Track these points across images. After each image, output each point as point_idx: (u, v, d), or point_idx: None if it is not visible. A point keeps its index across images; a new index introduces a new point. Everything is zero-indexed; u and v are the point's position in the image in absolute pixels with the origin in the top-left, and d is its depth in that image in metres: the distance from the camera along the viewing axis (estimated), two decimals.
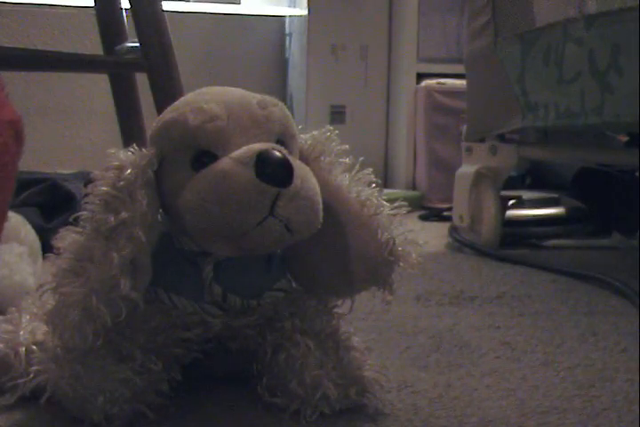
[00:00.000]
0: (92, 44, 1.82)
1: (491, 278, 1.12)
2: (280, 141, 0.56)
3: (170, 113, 0.56)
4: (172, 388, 0.59)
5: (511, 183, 1.62)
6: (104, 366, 0.55)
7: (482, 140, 1.43)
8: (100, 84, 1.80)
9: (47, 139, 2.04)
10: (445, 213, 1.75)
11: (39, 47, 1.96)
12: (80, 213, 0.55)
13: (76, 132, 2.09)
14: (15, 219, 0.90)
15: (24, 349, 0.59)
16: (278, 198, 0.51)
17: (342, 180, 0.60)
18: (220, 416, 0.58)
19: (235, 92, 0.58)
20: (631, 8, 1.00)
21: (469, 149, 1.46)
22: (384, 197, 0.60)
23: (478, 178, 1.40)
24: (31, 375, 0.58)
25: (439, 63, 2.15)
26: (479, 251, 1.33)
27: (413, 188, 2.14)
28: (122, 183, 0.54)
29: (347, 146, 0.61)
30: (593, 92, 1.07)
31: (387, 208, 0.59)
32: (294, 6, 2.20)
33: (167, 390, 0.58)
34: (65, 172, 1.58)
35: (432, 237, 1.51)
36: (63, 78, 2.03)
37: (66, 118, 2.08)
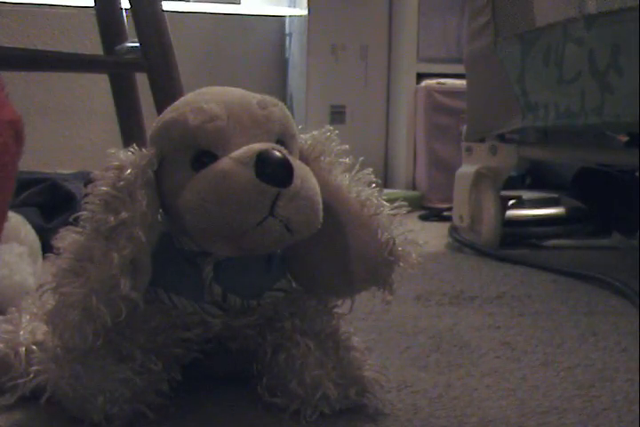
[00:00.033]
0: (91, 44, 1.82)
1: (491, 278, 1.12)
2: (280, 141, 0.56)
3: (170, 113, 0.56)
4: (172, 388, 0.59)
5: (511, 183, 1.62)
6: (104, 366, 0.55)
7: (482, 140, 1.43)
8: (100, 84, 1.80)
9: (47, 139, 2.04)
10: (445, 213, 1.75)
11: (39, 47, 1.96)
12: (80, 213, 0.55)
13: (76, 132, 2.09)
14: (15, 219, 0.90)
15: (24, 349, 0.59)
16: (278, 198, 0.51)
17: (342, 180, 0.60)
18: (220, 416, 0.58)
19: (235, 92, 0.58)
20: (631, 8, 1.00)
21: (469, 149, 1.46)
22: (384, 197, 0.60)
23: (478, 178, 1.40)
24: (31, 375, 0.58)
25: (439, 63, 2.15)
26: (479, 251, 1.33)
27: (413, 188, 2.14)
28: (122, 183, 0.54)
29: (347, 146, 0.61)
30: (593, 92, 1.07)
31: (387, 208, 0.59)
32: (294, 6, 2.20)
33: (167, 390, 0.58)
34: (65, 172, 1.58)
35: (432, 237, 1.51)
36: (63, 78, 2.03)
37: (66, 118, 2.08)
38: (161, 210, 0.57)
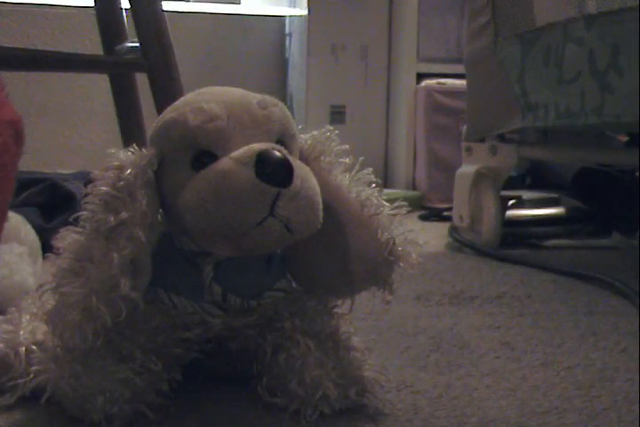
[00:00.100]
0: (91, 44, 1.82)
1: (491, 278, 1.12)
2: (280, 141, 0.56)
3: (170, 113, 0.56)
4: (172, 388, 0.59)
5: (511, 183, 1.62)
6: (104, 366, 0.55)
7: (482, 140, 1.43)
8: (100, 84, 1.80)
9: (47, 139, 2.04)
10: (445, 213, 1.75)
11: (39, 47, 1.96)
12: (80, 213, 0.55)
13: (76, 132, 2.09)
14: (15, 219, 0.90)
15: (24, 349, 0.59)
16: (278, 198, 0.51)
17: (342, 180, 0.60)
18: (219, 416, 0.58)
19: (235, 92, 0.58)
20: (631, 8, 1.00)
21: (469, 149, 1.46)
22: (384, 197, 0.60)
23: (478, 178, 1.40)
24: (31, 375, 0.58)
25: (439, 63, 2.15)
26: (479, 251, 1.33)
27: (413, 188, 2.14)
28: (122, 183, 0.54)
29: (347, 146, 0.61)
30: (593, 92, 1.07)
31: (387, 208, 0.59)
32: (294, 6, 2.20)
33: (167, 390, 0.58)
34: (65, 172, 1.58)
35: (432, 237, 1.51)
36: (63, 78, 2.03)
37: (66, 118, 2.08)
38: (161, 210, 0.57)
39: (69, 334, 0.53)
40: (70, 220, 0.55)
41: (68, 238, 0.55)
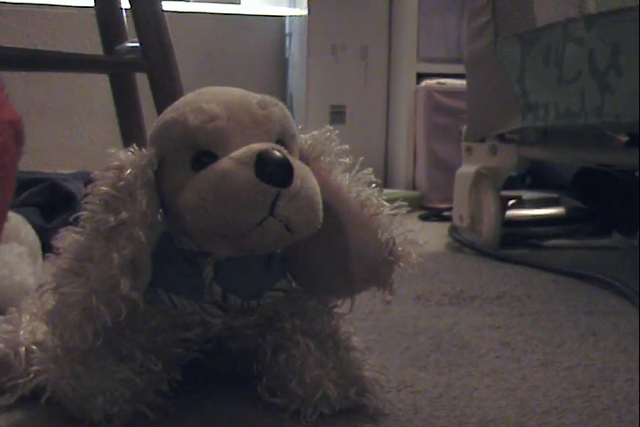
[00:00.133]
0: (91, 44, 1.82)
1: (491, 278, 1.12)
2: (280, 141, 0.56)
3: (170, 113, 0.56)
4: (172, 388, 0.59)
5: (511, 183, 1.62)
6: (104, 366, 0.55)
7: (482, 140, 1.43)
8: (100, 84, 1.80)
9: (47, 139, 2.04)
10: (445, 213, 1.75)
11: (39, 47, 1.96)
12: (80, 213, 0.55)
13: (76, 132, 2.09)
14: (15, 219, 0.90)
15: (24, 349, 0.59)
16: (278, 198, 0.51)
17: (342, 180, 0.60)
18: (219, 416, 0.58)
19: (235, 92, 0.58)
20: (631, 8, 1.00)
21: (469, 149, 1.46)
22: (384, 197, 0.60)
23: (478, 178, 1.40)
24: (31, 375, 0.58)
25: (439, 63, 2.15)
26: (479, 251, 1.33)
27: (413, 188, 2.14)
28: (122, 183, 0.54)
29: (347, 146, 0.61)
30: (593, 92, 1.07)
31: (387, 208, 0.59)
32: (294, 6, 2.20)
33: (167, 390, 0.58)
34: (65, 172, 1.58)
35: (432, 237, 1.51)
36: (63, 78, 2.03)
37: (66, 118, 2.08)
38: (161, 210, 0.57)
39: (69, 334, 0.53)
40: (70, 220, 0.55)
41: (68, 238, 0.55)
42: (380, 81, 2.21)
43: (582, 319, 0.89)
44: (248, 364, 0.62)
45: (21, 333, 0.61)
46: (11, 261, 0.84)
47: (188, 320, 0.59)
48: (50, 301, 0.55)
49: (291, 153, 0.56)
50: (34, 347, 0.59)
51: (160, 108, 1.06)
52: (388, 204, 0.60)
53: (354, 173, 0.61)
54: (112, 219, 0.53)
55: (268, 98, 0.57)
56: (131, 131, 1.25)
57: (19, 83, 1.96)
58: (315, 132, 0.61)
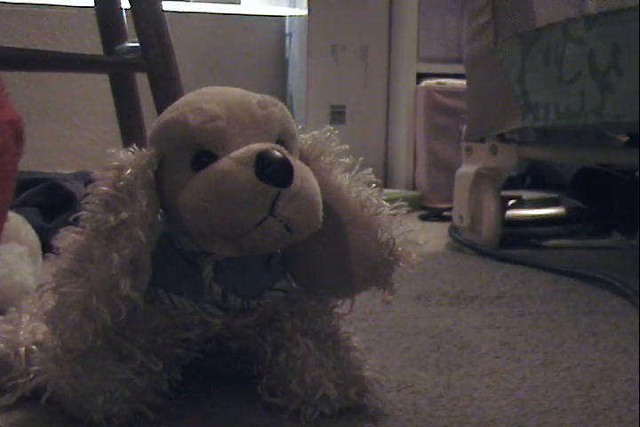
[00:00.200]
0: (91, 44, 1.82)
1: (491, 278, 1.12)
2: (280, 141, 0.56)
3: (170, 113, 0.56)
4: (172, 388, 0.59)
5: (511, 183, 1.62)
6: (104, 366, 0.55)
7: (482, 141, 1.43)
8: (100, 84, 1.80)
9: (47, 139, 2.04)
10: (445, 213, 1.75)
11: (39, 47, 1.96)
12: (80, 213, 0.55)
13: (76, 132, 2.09)
14: (15, 219, 0.90)
15: (24, 349, 0.59)
16: (278, 198, 0.51)
17: (342, 180, 0.60)
18: (219, 416, 0.58)
19: (235, 92, 0.58)
20: (631, 8, 1.00)
21: (469, 149, 1.46)
22: (384, 197, 0.60)
23: (478, 178, 1.40)
24: (31, 375, 0.58)
25: (439, 63, 2.15)
26: (479, 251, 1.33)
27: (413, 188, 2.14)
28: (122, 183, 0.54)
29: (347, 146, 0.61)
30: (593, 92, 1.07)
31: (387, 208, 0.59)
32: (294, 6, 2.20)
33: (167, 390, 0.58)
34: (65, 172, 1.58)
35: (432, 237, 1.51)
36: (63, 78, 2.03)
37: (66, 118, 2.08)
38: (161, 210, 0.57)
39: (69, 334, 0.53)
40: (70, 220, 0.55)
41: (68, 238, 0.55)
42: (380, 81, 2.21)
43: (582, 319, 0.89)
44: (248, 364, 0.62)
45: (21, 333, 0.61)
46: (11, 261, 0.84)
47: (188, 320, 0.59)
48: (50, 301, 0.55)
49: (291, 153, 0.56)
50: (34, 347, 0.59)
51: (160, 108, 1.06)
52: (387, 204, 0.60)
53: (354, 173, 0.61)
54: (112, 219, 0.53)
55: (268, 98, 0.57)
56: (131, 131, 1.25)
57: (19, 83, 1.96)
58: (315, 132, 0.61)
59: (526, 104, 1.25)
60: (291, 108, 2.16)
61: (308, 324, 0.61)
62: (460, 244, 1.39)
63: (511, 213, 1.46)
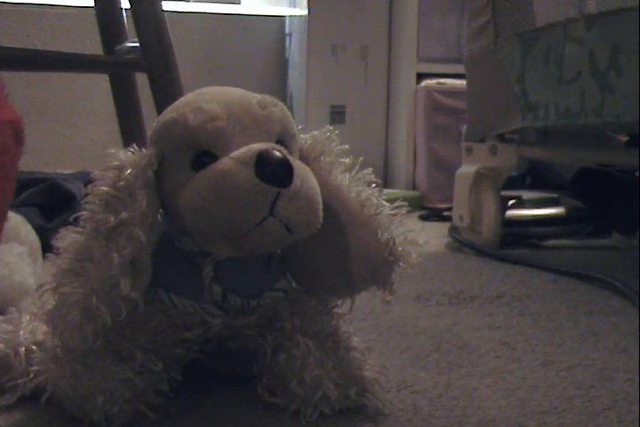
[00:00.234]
0: (91, 44, 1.82)
1: (491, 278, 1.12)
2: (280, 141, 0.56)
3: (170, 113, 0.56)
4: (172, 388, 0.59)
5: (511, 183, 1.62)
6: (104, 366, 0.55)
7: (482, 141, 1.43)
8: (100, 84, 1.80)
9: (47, 139, 2.04)
10: (445, 213, 1.75)
11: (39, 47, 1.96)
12: (80, 213, 0.55)
13: (76, 132, 2.09)
14: (15, 219, 0.90)
15: (24, 349, 0.59)
16: (278, 198, 0.51)
17: (342, 180, 0.60)
18: (219, 416, 0.58)
19: (235, 92, 0.58)
20: (631, 8, 1.00)
21: (469, 149, 1.46)
22: (384, 197, 0.60)
23: (478, 178, 1.40)
24: (31, 375, 0.58)
25: (439, 63, 2.15)
26: (479, 251, 1.33)
27: (413, 188, 2.14)
28: (122, 183, 0.54)
29: (347, 146, 0.61)
30: (593, 92, 1.07)
31: (387, 208, 0.59)
32: (294, 6, 2.20)
33: (167, 390, 0.58)
34: (65, 172, 1.58)
35: (432, 237, 1.51)
36: (63, 78, 2.03)
37: (66, 118, 2.08)
38: (161, 210, 0.57)
39: (69, 334, 0.53)
40: (70, 220, 0.55)
41: (68, 238, 0.55)
42: (380, 81, 2.21)
43: (582, 319, 0.89)
44: (248, 364, 0.62)
45: (21, 333, 0.61)
46: (11, 261, 0.84)
47: (188, 320, 0.59)
48: (50, 301, 0.55)
49: (291, 153, 0.56)
50: (34, 347, 0.59)
51: (160, 108, 1.06)
52: (387, 204, 0.60)
53: (354, 173, 0.61)
54: (112, 219, 0.53)
55: (268, 98, 0.57)
56: (131, 131, 1.25)
57: (19, 83, 1.96)
58: (315, 132, 0.61)
59: (526, 104, 1.25)
60: (291, 108, 2.16)
61: (308, 324, 0.61)
62: (460, 244, 1.39)
63: (511, 213, 1.46)
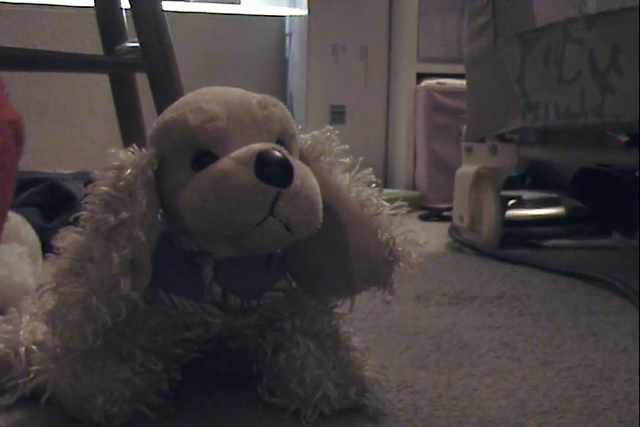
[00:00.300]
0: (91, 44, 1.82)
1: (491, 278, 1.12)
2: (280, 141, 0.56)
3: (170, 113, 0.56)
4: (172, 388, 0.59)
5: (511, 183, 1.62)
6: (104, 366, 0.55)
7: (482, 140, 1.43)
8: (100, 84, 1.80)
9: (47, 139, 2.04)
10: (445, 213, 1.75)
11: (39, 47, 1.96)
12: (80, 213, 0.55)
13: (76, 132, 2.09)
14: (15, 219, 0.90)
15: (24, 349, 0.59)
16: (278, 198, 0.51)
17: (342, 180, 0.60)
18: (219, 416, 0.58)
19: (235, 92, 0.58)
20: (631, 8, 1.00)
21: (469, 149, 1.46)
22: (384, 197, 0.60)
23: (478, 178, 1.40)
24: (31, 375, 0.58)
25: (439, 63, 2.15)
26: (479, 251, 1.33)
27: (413, 188, 2.14)
28: (122, 183, 0.54)
29: (347, 146, 0.61)
30: (593, 92, 1.07)
31: (387, 208, 0.59)
32: (294, 6, 2.20)
33: (167, 390, 0.58)
34: (65, 172, 1.58)
35: (432, 237, 1.51)
36: (63, 78, 2.03)
37: (66, 118, 2.08)
38: (161, 210, 0.57)
39: (69, 334, 0.53)
40: (70, 220, 0.55)
41: (68, 238, 0.55)
42: (380, 81, 2.21)
43: (582, 319, 0.89)
44: (248, 364, 0.62)
45: (21, 333, 0.61)
46: (11, 261, 0.84)
47: (188, 320, 0.59)
48: (50, 301, 0.55)
49: (291, 153, 0.56)
50: (34, 347, 0.59)
51: (160, 108, 1.06)
52: (387, 204, 0.60)
53: (354, 173, 0.61)
54: (112, 219, 0.53)
55: (268, 98, 0.57)
56: (131, 131, 1.25)
57: (19, 83, 1.96)
58: (315, 132, 0.61)
59: (526, 104, 1.25)
60: (291, 108, 2.16)
61: (308, 324, 0.61)
62: (460, 244, 1.40)
63: (511, 213, 1.46)
